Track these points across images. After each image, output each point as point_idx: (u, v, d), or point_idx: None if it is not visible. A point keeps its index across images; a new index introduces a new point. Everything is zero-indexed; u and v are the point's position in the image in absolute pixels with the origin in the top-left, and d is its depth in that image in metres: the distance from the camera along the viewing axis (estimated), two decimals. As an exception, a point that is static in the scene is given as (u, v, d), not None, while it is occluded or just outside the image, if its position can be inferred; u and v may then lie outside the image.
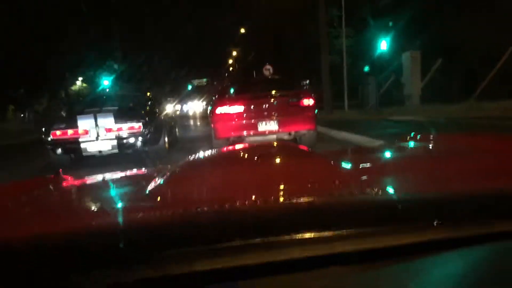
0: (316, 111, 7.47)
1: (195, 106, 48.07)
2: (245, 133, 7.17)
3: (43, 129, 6.68)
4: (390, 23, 17.76)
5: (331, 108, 18.91)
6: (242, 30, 32.34)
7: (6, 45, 20.06)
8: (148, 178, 1.27)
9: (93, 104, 7.48)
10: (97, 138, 6.77)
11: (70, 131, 6.70)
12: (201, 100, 50.35)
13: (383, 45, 17.91)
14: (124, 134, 6.87)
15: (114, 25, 28.32)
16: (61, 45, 23.16)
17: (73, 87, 30.10)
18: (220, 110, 7.31)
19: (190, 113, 36.86)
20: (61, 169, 1.52)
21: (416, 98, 17.47)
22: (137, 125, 6.80)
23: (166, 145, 7.94)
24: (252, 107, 7.21)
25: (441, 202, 0.82)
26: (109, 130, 6.77)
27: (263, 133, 7.17)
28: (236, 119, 7.18)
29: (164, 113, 9.23)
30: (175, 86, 42.49)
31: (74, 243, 0.74)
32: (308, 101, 7.33)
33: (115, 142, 6.82)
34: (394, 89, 19.50)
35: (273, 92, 7.53)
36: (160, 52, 32.97)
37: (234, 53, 44.23)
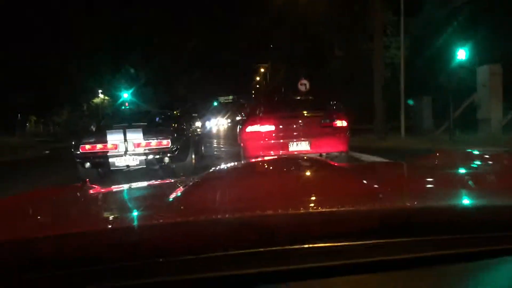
0: (348, 132, 7.49)
1: (220, 123, 47.75)
2: (275, 153, 7.12)
3: (73, 142, 6.85)
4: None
5: (384, 132, 15.73)
6: (271, 46, 31.40)
7: (26, 55, 20.68)
8: (172, 188, 1.36)
9: (122, 120, 7.62)
10: (125, 153, 6.95)
11: (99, 145, 6.90)
12: (225, 117, 50.55)
13: (461, 54, 14.26)
14: (152, 149, 7.01)
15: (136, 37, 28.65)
16: (84, 60, 23.60)
17: (95, 100, 30.60)
18: (250, 128, 7.35)
19: (214, 130, 36.49)
20: (87, 179, 1.64)
21: (497, 123, 13.84)
22: (165, 141, 6.91)
23: (193, 162, 7.98)
24: (283, 126, 7.23)
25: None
26: (137, 145, 6.93)
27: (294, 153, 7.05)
28: (267, 139, 7.20)
29: (191, 129, 9.30)
30: (201, 102, 43.10)
31: (94, 244, 0.79)
32: (341, 122, 7.35)
33: (143, 158, 6.96)
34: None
35: (305, 112, 7.60)
36: (187, 68, 33.29)
37: (262, 70, 44.03)
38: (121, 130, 6.89)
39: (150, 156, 7.00)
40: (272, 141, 7.19)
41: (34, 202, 1.30)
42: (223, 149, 14.34)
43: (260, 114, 7.88)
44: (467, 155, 1.90)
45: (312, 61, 26.53)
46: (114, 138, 6.92)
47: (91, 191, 1.48)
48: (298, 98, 11.60)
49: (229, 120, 49.53)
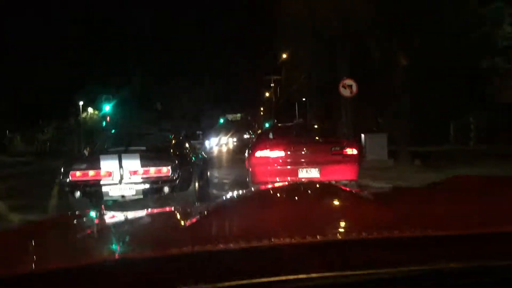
0: (359, 160, 7.66)
1: (224, 142, 45.88)
2: (284, 179, 7.20)
3: (61, 168, 6.26)
4: None
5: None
6: (284, 55, 29.40)
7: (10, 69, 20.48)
8: (184, 215, 1.52)
9: (118, 142, 7.00)
10: (120, 182, 6.55)
11: (91, 172, 6.37)
12: (230, 135, 49.44)
13: None
14: (150, 178, 6.60)
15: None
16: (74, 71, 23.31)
17: (84, 115, 29.35)
18: (259, 153, 7.48)
19: (216, 150, 32.73)
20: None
21: None
22: (165, 169, 6.40)
23: (196, 190, 7.32)
24: (292, 152, 7.40)
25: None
26: (134, 173, 6.57)
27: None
28: (275, 164, 7.36)
29: (195, 152, 8.65)
30: (207, 120, 42.64)
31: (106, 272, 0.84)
32: (351, 151, 7.50)
33: (140, 187, 6.56)
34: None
35: (315, 138, 7.98)
36: (191, 85, 32.99)
37: (272, 84, 42.88)
38: (116, 156, 6.39)
39: (148, 186, 6.57)
40: (281, 167, 7.34)
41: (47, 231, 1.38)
42: (227, 175, 13.33)
43: (270, 139, 8.12)
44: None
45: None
46: (108, 165, 6.51)
47: (98, 220, 1.58)
48: (307, 124, 13.48)
49: (235, 139, 48.35)
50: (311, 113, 24.21)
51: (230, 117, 61.52)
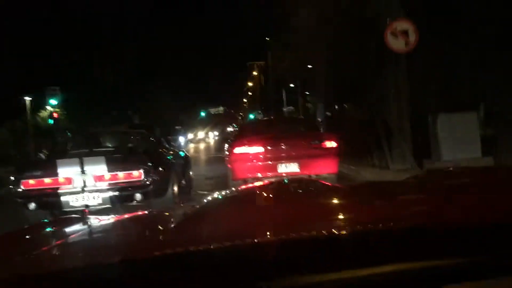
0: (338, 153, 7.71)
1: (204, 137, 43.32)
2: (264, 174, 7.38)
3: (12, 177, 5.28)
4: None
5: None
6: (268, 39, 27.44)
7: None
8: (166, 217, 1.58)
9: (80, 144, 6.08)
10: (83, 190, 5.76)
11: (47, 180, 5.49)
12: (208, 130, 47.42)
13: None
14: (119, 184, 5.81)
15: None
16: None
17: (41, 113, 24.83)
18: (238, 150, 7.59)
19: (192, 147, 29.59)
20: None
21: None
22: (137, 173, 5.67)
23: (175, 194, 6.48)
24: (271, 147, 7.51)
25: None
26: (99, 178, 5.79)
27: (283, 175, 7.40)
28: (255, 160, 7.45)
29: (172, 151, 7.78)
30: (185, 113, 40.86)
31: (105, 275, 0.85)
32: (330, 143, 7.60)
33: (106, 194, 5.80)
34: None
35: (294, 133, 8.09)
36: (167, 74, 31.13)
37: (255, 73, 41.10)
38: (77, 160, 5.52)
39: (117, 193, 5.80)
40: (261, 163, 7.45)
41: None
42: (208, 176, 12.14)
43: (249, 135, 8.16)
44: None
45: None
46: (67, 170, 5.72)
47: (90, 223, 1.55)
48: (288, 118, 13.25)
49: (216, 133, 46.44)
50: (315, 96, 21.26)
51: (212, 110, 60.56)
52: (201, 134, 40.79)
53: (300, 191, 1.88)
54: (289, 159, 7.41)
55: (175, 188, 6.99)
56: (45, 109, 23.82)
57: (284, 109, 32.86)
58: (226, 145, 9.17)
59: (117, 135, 7.45)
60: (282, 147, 7.50)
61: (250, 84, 48.53)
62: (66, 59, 23.40)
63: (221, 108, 61.92)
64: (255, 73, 41.41)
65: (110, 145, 6.38)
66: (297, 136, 7.88)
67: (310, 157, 7.42)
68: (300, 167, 7.36)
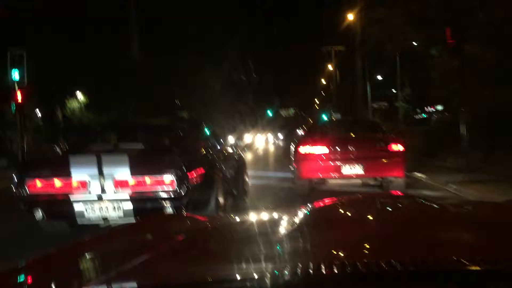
0: (405, 157, 7.89)
1: (265, 140, 39.02)
2: (328, 175, 7.76)
3: (15, 176, 4.26)
4: None
5: None
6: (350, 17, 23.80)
7: None
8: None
9: (102, 138, 4.98)
10: (100, 197, 4.70)
11: (57, 182, 4.29)
12: (277, 132, 44.98)
13: None
14: (145, 192, 4.70)
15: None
16: None
17: (71, 103, 21.59)
18: (304, 150, 7.89)
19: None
20: None
21: None
22: (168, 178, 4.40)
23: (222, 208, 5.23)
24: (337, 148, 7.75)
25: None
26: (121, 184, 4.71)
27: (348, 177, 7.74)
28: (320, 160, 7.72)
29: (222, 153, 6.55)
30: (251, 112, 39.19)
31: None
32: (397, 147, 7.79)
33: (129, 205, 4.69)
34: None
35: (360, 134, 8.38)
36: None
37: (330, 67, 37.48)
38: (94, 158, 4.59)
39: (142, 204, 4.71)
40: (326, 163, 7.70)
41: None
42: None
43: (315, 135, 8.55)
44: None
45: None
46: (82, 171, 4.69)
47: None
48: (354, 120, 13.38)
49: (281, 136, 43.04)
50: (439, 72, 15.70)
51: (283, 112, 59.85)
52: (248, 137, 35.22)
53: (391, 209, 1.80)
54: (354, 160, 7.59)
55: (221, 200, 5.74)
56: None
57: (375, 105, 29.65)
58: (292, 146, 9.43)
59: (152, 128, 6.32)
60: (347, 148, 7.71)
61: (323, 81, 45.48)
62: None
63: (291, 110, 60.91)
64: (330, 67, 37.46)
65: (139, 140, 5.22)
66: (363, 138, 8.18)
67: (376, 159, 7.65)
68: (365, 169, 7.58)
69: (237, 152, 8.36)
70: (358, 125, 9.97)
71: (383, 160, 7.62)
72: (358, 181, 7.89)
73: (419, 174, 9.88)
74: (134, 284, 1.01)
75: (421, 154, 12.69)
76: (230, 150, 7.83)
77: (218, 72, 24.59)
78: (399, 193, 2.57)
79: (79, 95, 21.07)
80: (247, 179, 8.53)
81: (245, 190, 8.03)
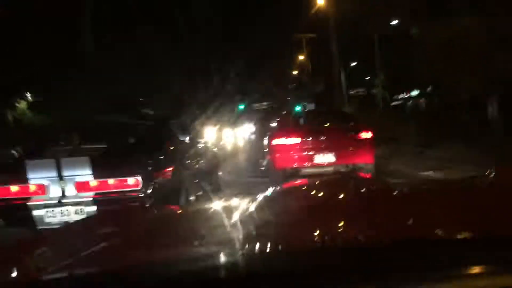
0: (374, 144, 8.26)
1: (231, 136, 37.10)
2: (302, 164, 8.11)
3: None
4: None
5: None
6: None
7: None
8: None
9: (61, 138, 4.77)
10: (60, 201, 4.47)
11: (13, 188, 4.05)
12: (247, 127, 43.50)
13: None
14: (109, 194, 4.50)
15: None
16: None
17: (19, 104, 19.24)
18: (278, 141, 8.28)
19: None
20: None
21: None
22: (133, 180, 4.17)
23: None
24: (310, 139, 8.15)
25: None
26: (82, 187, 4.54)
27: (320, 165, 8.02)
28: (294, 151, 8.12)
29: (193, 150, 6.39)
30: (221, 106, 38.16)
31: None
32: (366, 134, 8.13)
33: (92, 209, 4.48)
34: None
35: (331, 124, 8.82)
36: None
37: (301, 57, 36.78)
38: (52, 161, 4.38)
39: (105, 207, 4.44)
40: (299, 153, 8.09)
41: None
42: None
43: (288, 127, 9.01)
44: None
45: None
46: (39, 175, 4.48)
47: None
48: (325, 110, 14.08)
49: (252, 130, 41.69)
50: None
51: (256, 105, 59.15)
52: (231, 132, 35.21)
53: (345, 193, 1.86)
54: (326, 149, 7.98)
55: (192, 198, 5.60)
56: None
57: (352, 92, 28.95)
58: (266, 138, 9.86)
59: (115, 127, 6.08)
60: (319, 138, 8.12)
61: (294, 72, 44.58)
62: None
63: (264, 103, 60.14)
64: (301, 57, 36.60)
65: (102, 140, 5.00)
66: (333, 127, 8.64)
67: (347, 147, 8.05)
68: (336, 157, 7.94)
69: (210, 148, 8.22)
70: (329, 115, 10.29)
71: (353, 147, 8.01)
72: (331, 169, 8.05)
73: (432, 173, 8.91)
74: (94, 269, 1.01)
75: (418, 145, 11.62)
76: (202, 146, 7.68)
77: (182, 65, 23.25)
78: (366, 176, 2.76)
79: (28, 94, 18.72)
80: (220, 175, 8.40)
81: (218, 186, 7.88)
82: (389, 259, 0.85)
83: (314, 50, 31.08)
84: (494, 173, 1.78)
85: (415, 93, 27.97)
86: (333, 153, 7.91)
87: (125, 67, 17.81)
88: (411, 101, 28.14)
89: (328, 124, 8.79)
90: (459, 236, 0.95)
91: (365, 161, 8.02)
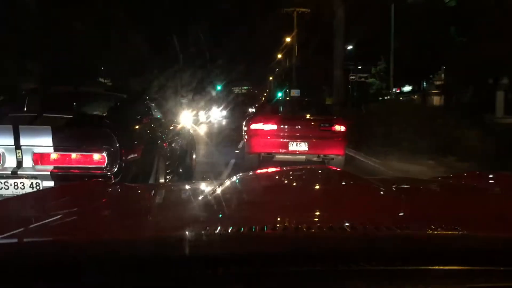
0: (346, 137, 8.75)
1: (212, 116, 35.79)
2: (276, 150, 8.51)
3: None
4: None
5: None
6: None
7: None
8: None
9: (23, 105, 4.39)
10: (15, 173, 4.07)
11: None
12: (229, 108, 42.80)
13: None
14: (70, 170, 4.11)
15: None
16: None
17: None
18: (254, 126, 8.65)
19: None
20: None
21: None
22: (98, 156, 4.17)
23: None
24: (285, 127, 8.59)
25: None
26: (41, 159, 4.11)
27: (293, 153, 8.45)
28: (269, 137, 8.52)
29: (167, 127, 6.07)
30: (201, 87, 37.31)
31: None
32: (339, 127, 8.59)
33: (49, 184, 4.05)
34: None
35: (307, 115, 9.16)
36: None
37: (288, 39, 35.17)
38: (9, 128, 4.00)
39: (65, 183, 4.00)
40: (274, 140, 8.50)
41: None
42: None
43: (266, 113, 9.31)
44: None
45: None
46: None
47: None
48: (303, 100, 14.06)
49: (224, 113, 40.01)
50: None
51: (235, 89, 58.78)
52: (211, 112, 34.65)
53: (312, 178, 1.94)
54: (300, 138, 8.43)
55: (162, 179, 5.27)
56: None
57: (352, 77, 26.58)
58: (244, 122, 10.27)
59: (84, 95, 5.63)
60: (295, 127, 8.61)
61: (279, 56, 42.79)
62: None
63: (245, 87, 59.82)
64: (288, 39, 34.34)
65: (67, 109, 4.60)
66: (309, 118, 8.99)
67: (319, 138, 8.48)
68: (309, 146, 8.40)
69: (185, 129, 7.87)
70: (308, 105, 10.72)
71: (326, 139, 8.49)
72: (303, 157, 8.47)
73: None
74: (49, 238, 1.01)
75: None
76: (177, 126, 7.32)
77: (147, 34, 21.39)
78: (335, 168, 2.80)
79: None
80: (194, 157, 8.11)
81: (191, 169, 7.67)
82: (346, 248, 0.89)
83: (305, 31, 28.74)
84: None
85: (407, 89, 26.72)
86: (306, 143, 8.37)
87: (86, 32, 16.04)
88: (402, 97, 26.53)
89: (304, 114, 9.15)
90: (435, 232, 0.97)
91: (335, 153, 8.51)
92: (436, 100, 27.02)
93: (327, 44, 22.45)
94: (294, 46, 31.65)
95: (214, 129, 25.68)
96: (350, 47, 26.93)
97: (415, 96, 24.71)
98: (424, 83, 24.32)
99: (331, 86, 21.38)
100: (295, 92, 26.31)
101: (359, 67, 27.78)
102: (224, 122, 36.03)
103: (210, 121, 33.10)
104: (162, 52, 23.96)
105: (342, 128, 8.58)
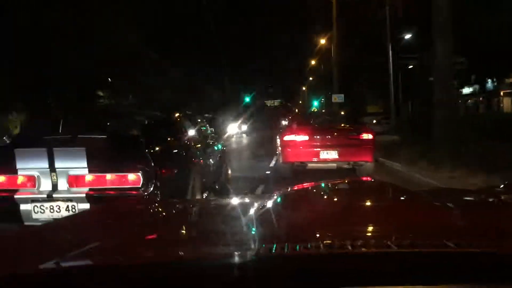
0: (374, 144, 9.18)
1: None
2: (308, 159, 9.04)
3: None
4: None
5: None
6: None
7: None
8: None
9: (57, 127, 4.43)
10: (51, 196, 4.05)
11: (0, 178, 3.72)
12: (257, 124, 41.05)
13: None
14: (105, 192, 4.07)
15: None
16: None
17: None
18: (287, 137, 9.29)
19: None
20: None
21: None
22: (133, 177, 4.10)
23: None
24: (316, 137, 9.14)
25: None
26: (76, 181, 4.09)
27: (324, 161, 8.98)
28: (301, 147, 9.11)
29: (199, 146, 6.03)
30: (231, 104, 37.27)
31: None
32: (367, 135, 9.13)
33: (86, 206, 4.01)
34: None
35: (336, 125, 10.01)
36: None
37: (312, 63, 34.74)
38: (44, 151, 4.00)
39: (101, 205, 3.85)
40: (306, 149, 9.04)
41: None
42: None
43: (298, 125, 9.86)
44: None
45: None
46: (29, 165, 4.07)
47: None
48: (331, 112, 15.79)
49: (257, 126, 38.21)
50: None
51: (268, 103, 60.52)
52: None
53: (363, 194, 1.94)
54: (330, 147, 8.95)
55: (198, 196, 5.21)
56: None
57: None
58: (278, 134, 10.91)
59: (116, 117, 5.65)
60: (325, 136, 9.14)
61: (313, 62, 41.05)
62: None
63: (277, 101, 61.28)
64: (322, 41, 32.63)
65: (102, 131, 4.59)
66: (338, 128, 9.71)
67: (349, 146, 8.96)
68: (339, 154, 8.91)
69: (219, 143, 7.85)
70: (337, 117, 11.78)
71: (355, 147, 8.99)
72: (334, 164, 8.97)
73: None
74: (87, 262, 1.03)
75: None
76: (210, 141, 7.29)
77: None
78: (369, 178, 2.78)
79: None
80: (229, 171, 8.06)
81: (226, 184, 7.64)
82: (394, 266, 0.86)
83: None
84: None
85: (468, 90, 23.62)
86: (337, 151, 8.88)
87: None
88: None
89: (334, 124, 10.00)
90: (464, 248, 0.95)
91: (364, 159, 8.99)
92: (507, 102, 25.03)
93: (375, 41, 21.41)
94: (332, 37, 28.60)
95: (248, 142, 25.57)
96: (407, 36, 24.04)
97: (481, 99, 22.91)
98: (489, 82, 22.09)
99: (375, 88, 19.89)
100: (337, 98, 23.87)
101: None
102: (256, 135, 35.44)
103: (243, 135, 32.76)
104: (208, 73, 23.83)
105: (370, 136, 9.12)
